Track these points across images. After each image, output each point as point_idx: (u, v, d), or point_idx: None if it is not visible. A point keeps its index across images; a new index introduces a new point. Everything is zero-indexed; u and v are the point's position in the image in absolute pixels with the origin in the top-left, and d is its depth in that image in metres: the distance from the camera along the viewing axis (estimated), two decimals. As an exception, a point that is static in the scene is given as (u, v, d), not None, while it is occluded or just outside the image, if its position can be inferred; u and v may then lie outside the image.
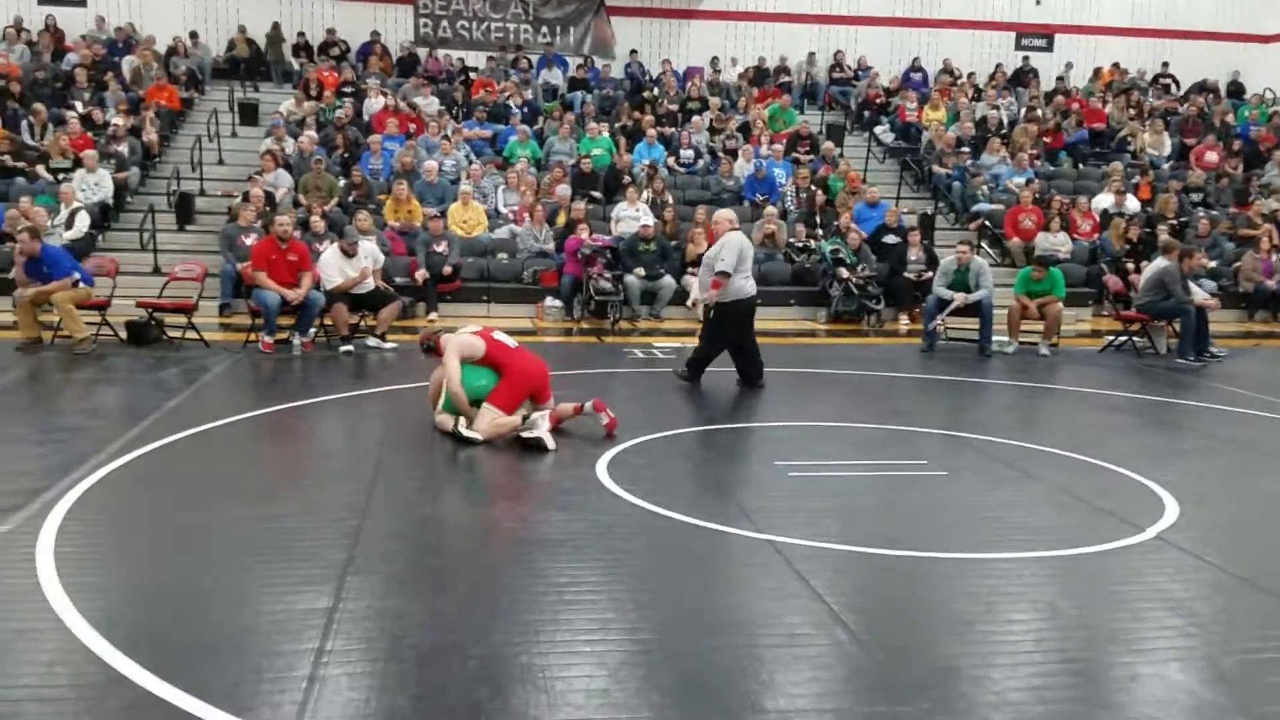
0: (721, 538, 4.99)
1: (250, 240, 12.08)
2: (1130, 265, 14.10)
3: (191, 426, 6.98)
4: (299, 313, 10.51)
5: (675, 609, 4.10)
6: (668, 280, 13.39)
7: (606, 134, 17.48)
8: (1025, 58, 23.39)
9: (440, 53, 21.15)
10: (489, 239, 14.41)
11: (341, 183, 14.92)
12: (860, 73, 22.29)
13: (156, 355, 10.02)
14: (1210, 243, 15.69)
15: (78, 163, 14.63)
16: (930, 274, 12.93)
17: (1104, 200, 16.59)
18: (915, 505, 5.76)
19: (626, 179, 15.67)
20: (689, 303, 10.36)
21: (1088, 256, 15.48)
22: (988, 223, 16.27)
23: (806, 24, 23.06)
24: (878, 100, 20.91)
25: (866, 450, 7.02)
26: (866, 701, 3.36)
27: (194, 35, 20.70)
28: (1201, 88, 23.01)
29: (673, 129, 18.19)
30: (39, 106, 16.37)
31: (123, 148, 15.51)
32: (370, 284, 11.01)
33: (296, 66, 20.59)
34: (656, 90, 20.11)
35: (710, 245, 9.86)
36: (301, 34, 21.20)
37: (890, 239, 14.53)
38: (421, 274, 12.95)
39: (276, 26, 21.07)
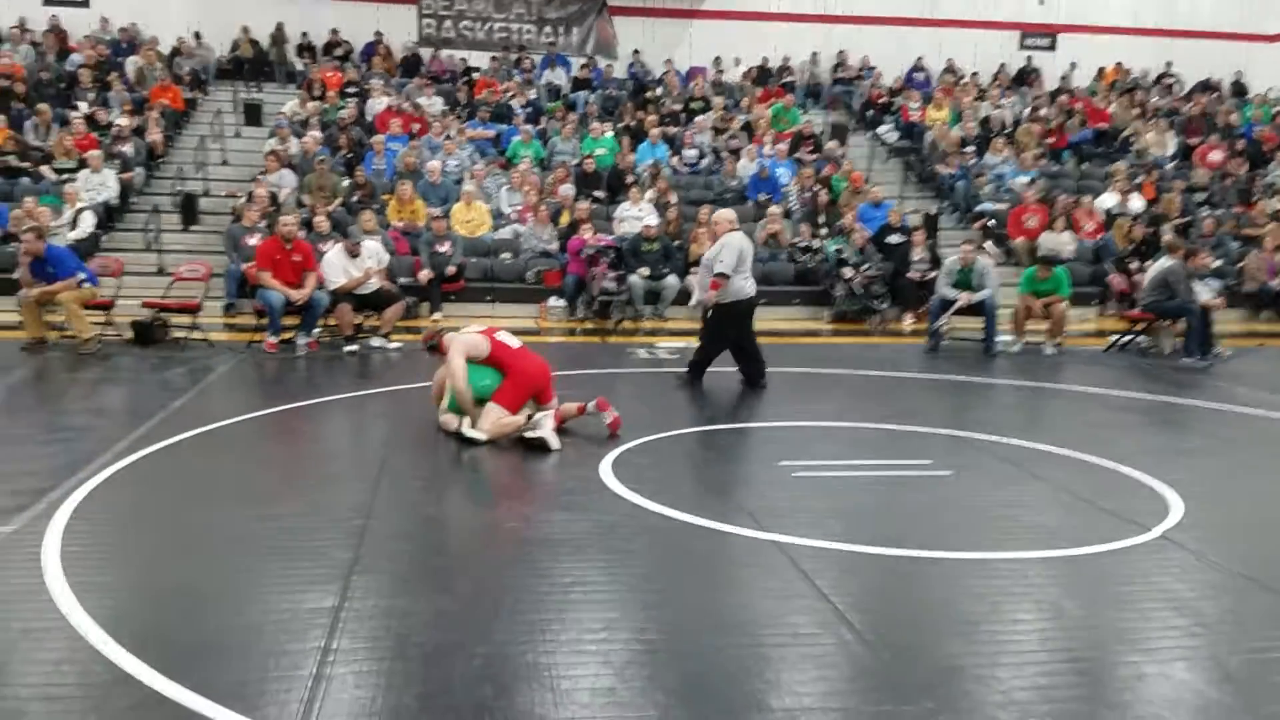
0: (726, 538, 4.99)
1: (254, 240, 12.09)
2: (1135, 265, 14.08)
3: (196, 426, 6.99)
4: (303, 313, 10.52)
5: (680, 608, 4.10)
6: (671, 280, 13.38)
7: (610, 134, 17.48)
8: (1029, 57, 23.38)
9: (444, 53, 21.18)
10: (492, 239, 14.42)
11: (345, 183, 14.93)
12: (864, 72, 22.28)
13: (161, 355, 10.04)
14: (1215, 242, 15.65)
15: (82, 163, 14.65)
16: (934, 274, 12.93)
17: (1108, 200, 16.57)
18: (920, 505, 5.75)
19: (630, 179, 15.66)
20: (691, 303, 10.38)
21: (1092, 256, 15.46)
22: (992, 222, 16.24)
23: (810, 23, 23.06)
24: (881, 100, 20.89)
25: (871, 450, 7.01)
26: (872, 701, 3.36)
27: (198, 35, 20.74)
28: (1205, 87, 22.98)
29: (676, 129, 18.19)
30: (43, 107, 16.39)
31: (127, 148, 15.53)
32: (374, 284, 11.01)
33: (300, 67, 20.64)
34: (660, 90, 20.10)
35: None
36: (305, 34, 21.24)
37: (894, 239, 14.53)
38: (425, 274, 12.96)
39: (280, 27, 21.11)
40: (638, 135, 17.54)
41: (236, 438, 6.96)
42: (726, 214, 9.37)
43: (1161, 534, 5.17)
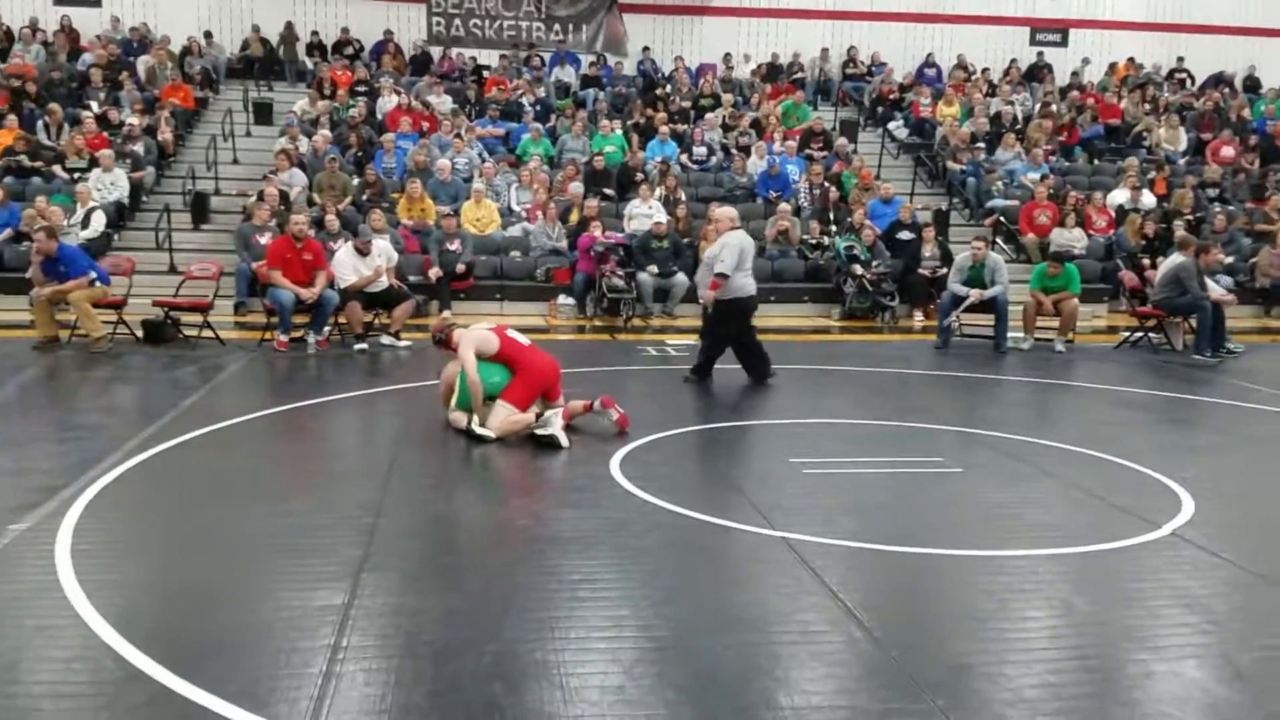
0: (735, 535, 4.99)
1: (265, 239, 12.13)
2: (1146, 261, 14.02)
3: (207, 425, 7.01)
4: (314, 311, 10.55)
5: (689, 606, 4.10)
6: (680, 277, 13.38)
7: (619, 131, 17.48)
8: (1040, 53, 23.29)
9: (453, 51, 21.19)
10: (502, 237, 14.43)
11: (355, 181, 14.97)
12: (874, 69, 22.23)
13: (172, 354, 10.08)
14: (1227, 238, 15.60)
15: (93, 162, 14.72)
16: (944, 270, 12.90)
17: (1119, 196, 16.51)
18: (930, 502, 5.75)
19: (639, 176, 15.67)
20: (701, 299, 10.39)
21: (1103, 252, 15.41)
22: (1002, 219, 16.20)
23: (820, 20, 23.02)
24: (891, 96, 20.84)
25: (881, 447, 7.00)
26: (881, 699, 3.36)
27: (208, 35, 20.81)
28: (1217, 82, 22.86)
29: (685, 126, 18.19)
30: (55, 106, 16.48)
31: (138, 147, 15.60)
32: (384, 282, 11.04)
33: (310, 66, 20.69)
34: (669, 87, 20.09)
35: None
36: (315, 33, 21.30)
37: (904, 235, 14.50)
38: (435, 272, 12.99)
39: (290, 26, 21.17)
40: (647, 132, 17.54)
41: (247, 436, 6.98)
42: (728, 212, 9.35)
43: (1172, 531, 5.15)
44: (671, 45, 22.55)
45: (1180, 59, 23.68)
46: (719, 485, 6.13)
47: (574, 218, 14.51)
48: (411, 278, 12.52)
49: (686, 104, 19.20)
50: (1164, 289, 11.67)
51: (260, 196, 13.66)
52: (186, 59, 19.77)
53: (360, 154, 16.03)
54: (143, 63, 19.06)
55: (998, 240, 15.74)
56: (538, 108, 18.56)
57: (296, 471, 6.40)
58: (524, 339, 7.16)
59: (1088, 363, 10.96)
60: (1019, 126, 18.98)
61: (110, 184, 14.32)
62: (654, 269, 13.36)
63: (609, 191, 15.70)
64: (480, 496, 6.07)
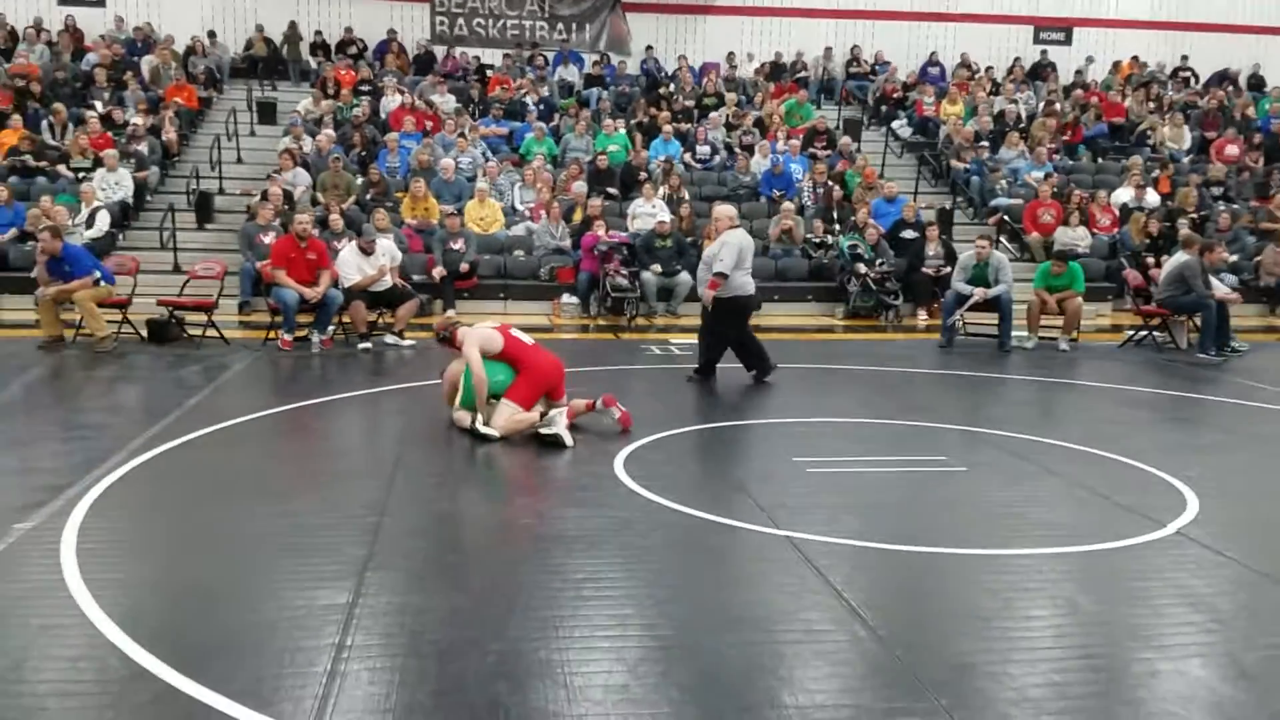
0: (739, 534, 4.99)
1: (269, 239, 12.14)
2: (1150, 260, 14.00)
3: (212, 424, 7.03)
4: (318, 311, 10.56)
5: (693, 605, 4.10)
6: (684, 276, 13.37)
7: (623, 130, 17.49)
8: (1043, 51, 23.27)
9: (457, 50, 21.20)
10: (506, 236, 14.44)
11: (359, 181, 14.98)
12: (877, 67, 22.21)
13: (177, 353, 10.09)
14: (1231, 237, 15.57)
15: (98, 162, 14.74)
16: (948, 269, 12.89)
17: (1123, 194, 16.49)
18: (934, 501, 5.74)
19: (643, 175, 15.67)
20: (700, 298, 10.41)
21: (1107, 251, 15.39)
22: (1006, 217, 16.19)
23: (823, 19, 23.00)
24: (895, 95, 20.82)
25: (885, 446, 7.00)
26: (885, 698, 3.36)
27: (212, 35, 20.84)
28: (1222, 79, 22.82)
29: (689, 125, 18.19)
30: (59, 106, 16.50)
31: (142, 147, 15.62)
32: (388, 282, 11.05)
33: (314, 65, 20.70)
34: (672, 86, 20.09)
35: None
36: (319, 33, 21.32)
37: (908, 234, 14.49)
38: (439, 271, 13.00)
39: (294, 25, 21.18)
40: (650, 131, 17.54)
41: (251, 435, 6.99)
42: (727, 210, 9.33)
43: (1176, 530, 5.14)
44: (675, 44, 22.55)
45: (1184, 57, 23.65)
46: (723, 484, 6.13)
47: (577, 217, 14.52)
48: (415, 277, 12.52)
49: (690, 103, 19.20)
50: (1168, 288, 11.65)
51: (264, 196, 13.67)
52: (190, 59, 19.80)
53: (364, 153, 16.04)
54: (147, 62, 19.08)
55: (1002, 239, 15.72)
56: (541, 107, 18.57)
57: (301, 471, 6.40)
58: (528, 338, 7.16)
59: (1092, 361, 10.95)
60: (1023, 125, 18.96)
61: (115, 184, 14.34)
62: (657, 268, 13.36)
63: (612, 191, 15.70)
64: (484, 495, 6.07)
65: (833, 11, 23.03)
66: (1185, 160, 18.69)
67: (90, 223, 13.17)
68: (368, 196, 14.60)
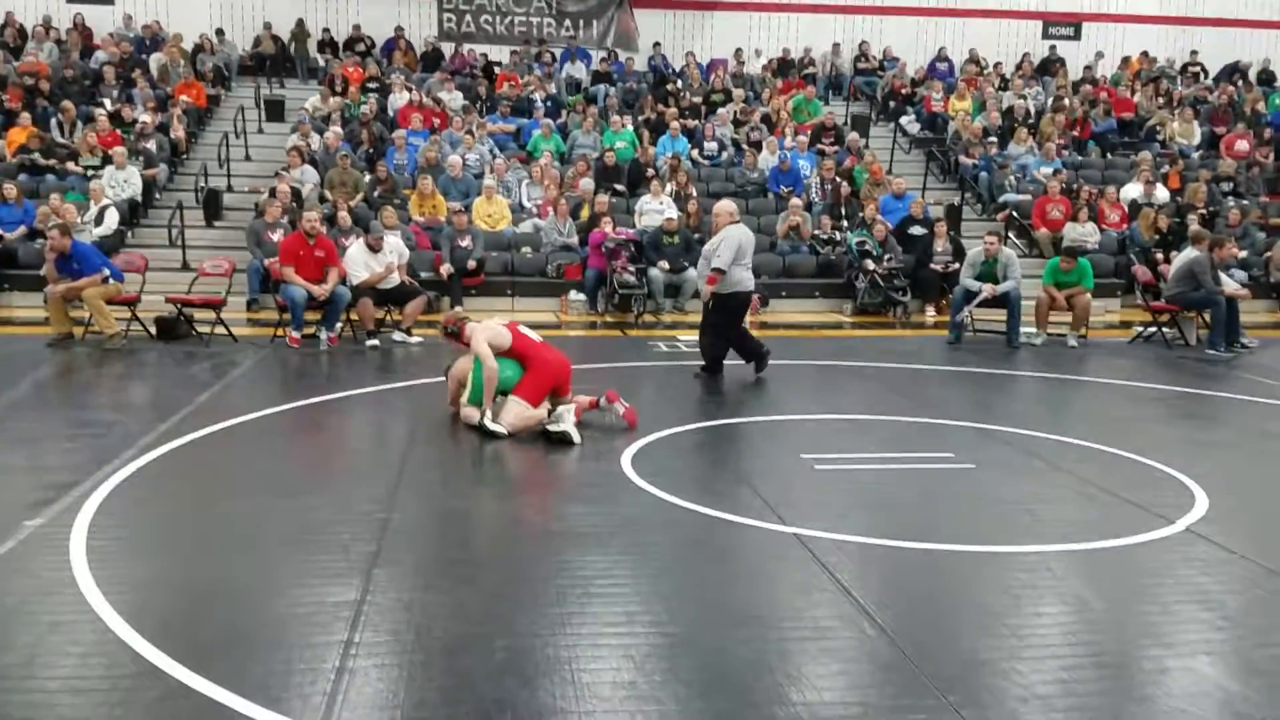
0: (747, 531, 4.99)
1: (277, 236, 12.16)
2: (1159, 256, 13.96)
3: (220, 421, 7.04)
4: (325, 308, 10.58)
5: (701, 602, 4.11)
6: (691, 273, 13.34)
7: (630, 127, 17.48)
8: (1052, 46, 23.19)
9: (464, 47, 21.21)
10: (513, 233, 14.44)
11: (367, 178, 14.99)
12: (886, 63, 22.16)
13: (186, 350, 10.12)
14: (1241, 232, 15.49)
15: (107, 160, 14.78)
16: (957, 265, 12.86)
17: (1133, 190, 16.42)
18: (942, 498, 5.74)
19: (650, 172, 15.66)
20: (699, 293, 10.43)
21: (1116, 247, 15.33)
22: (1015, 213, 16.14)
23: (831, 14, 22.96)
24: (903, 91, 20.78)
25: (893, 443, 6.99)
26: (893, 695, 3.36)
27: (220, 32, 20.87)
28: (1232, 74, 22.72)
29: (696, 121, 18.18)
30: (68, 104, 16.55)
31: (151, 145, 15.65)
32: (396, 279, 11.07)
33: (322, 63, 20.75)
34: (680, 83, 20.08)
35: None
36: (326, 30, 21.36)
37: (916, 230, 14.46)
38: (446, 268, 13.00)
39: (301, 23, 21.21)
40: (658, 128, 17.53)
41: (260, 432, 7.01)
42: (727, 205, 9.33)
43: (1186, 527, 5.13)
44: (682, 41, 22.52)
45: (1194, 52, 23.53)
46: (730, 481, 6.12)
47: (585, 214, 14.51)
48: (423, 274, 12.54)
49: (697, 99, 19.19)
50: (1178, 284, 11.61)
51: (272, 193, 13.68)
52: (199, 56, 19.83)
53: (372, 150, 16.07)
54: (155, 60, 19.13)
55: (1010, 235, 15.66)
56: (549, 104, 18.57)
57: (309, 468, 6.42)
58: (535, 335, 7.17)
59: (1101, 358, 10.92)
60: (1031, 121, 18.89)
61: (123, 181, 14.38)
62: (665, 265, 13.35)
63: (620, 187, 15.70)
64: (492, 492, 6.07)
65: (841, 7, 22.99)
66: (1195, 156, 18.61)
67: (99, 220, 13.21)
68: (375, 194, 14.61)
